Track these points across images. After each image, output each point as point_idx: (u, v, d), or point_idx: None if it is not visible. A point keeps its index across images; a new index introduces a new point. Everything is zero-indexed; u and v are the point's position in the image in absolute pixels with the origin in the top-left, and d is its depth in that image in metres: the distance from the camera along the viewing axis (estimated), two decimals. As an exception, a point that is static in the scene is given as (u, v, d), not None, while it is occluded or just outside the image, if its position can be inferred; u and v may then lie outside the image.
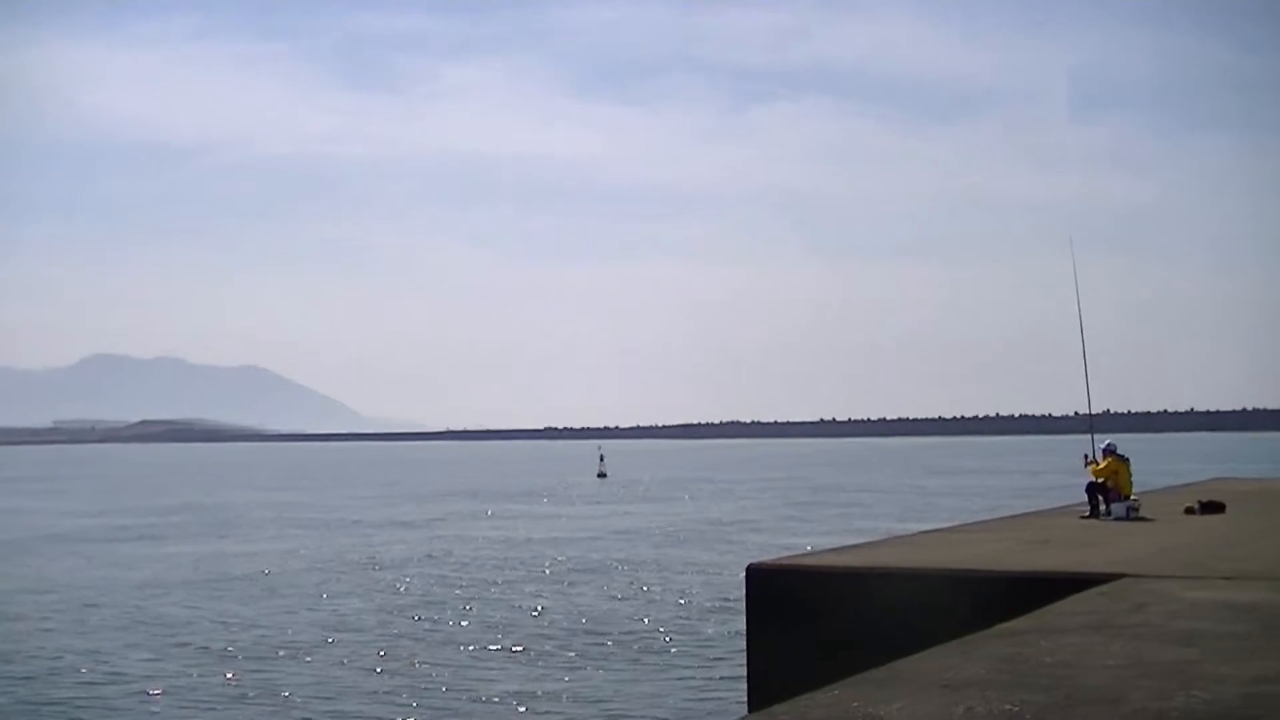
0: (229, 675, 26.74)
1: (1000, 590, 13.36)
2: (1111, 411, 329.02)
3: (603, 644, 29.80)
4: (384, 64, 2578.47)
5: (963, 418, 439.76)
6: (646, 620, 33.05)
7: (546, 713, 23.02)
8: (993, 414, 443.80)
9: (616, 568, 45.27)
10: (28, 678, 26.88)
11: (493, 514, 75.66)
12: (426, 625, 33.13)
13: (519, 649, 29.33)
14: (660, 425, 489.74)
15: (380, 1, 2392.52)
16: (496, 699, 24.09)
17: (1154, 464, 77.89)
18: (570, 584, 40.87)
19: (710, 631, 30.86)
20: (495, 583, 41.65)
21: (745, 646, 15.49)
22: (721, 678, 24.95)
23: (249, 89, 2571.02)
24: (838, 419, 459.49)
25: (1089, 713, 7.19)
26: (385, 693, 24.77)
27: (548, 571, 44.57)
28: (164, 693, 25.08)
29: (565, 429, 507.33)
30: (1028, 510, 27.52)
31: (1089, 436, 23.95)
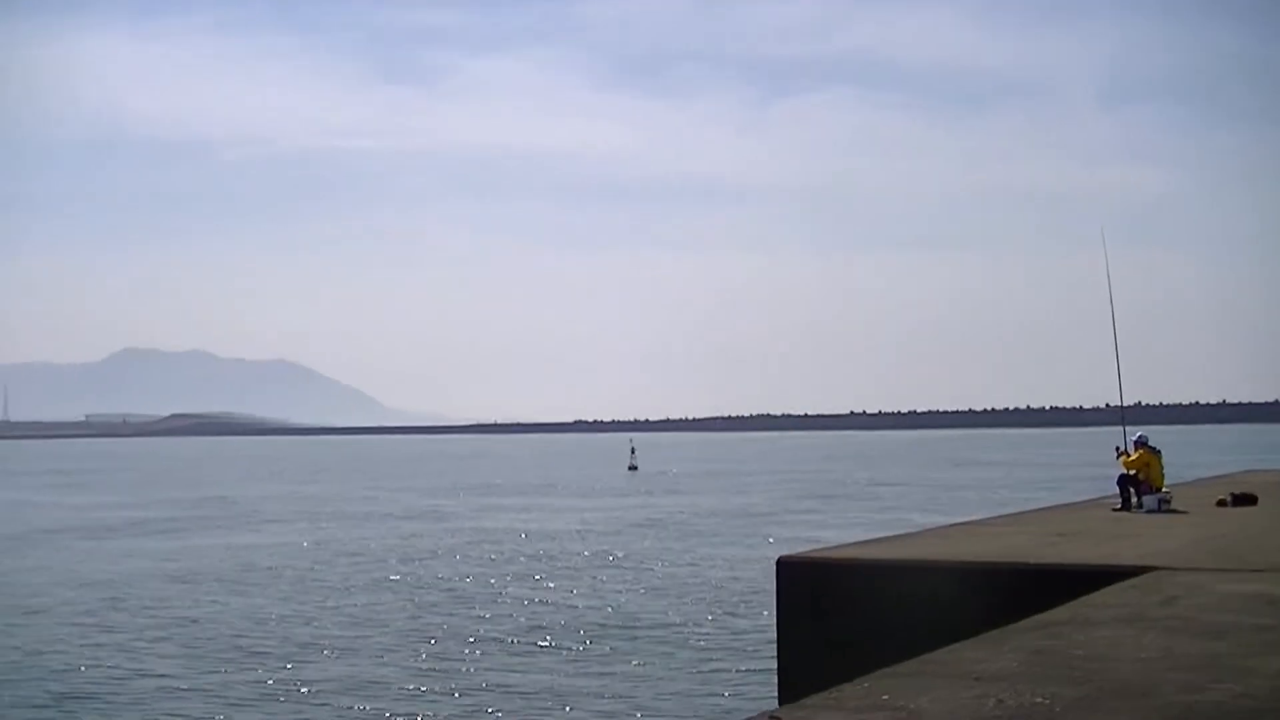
0: (259, 671, 26.87)
1: (1031, 583, 13.35)
2: (1143, 404, 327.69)
3: (634, 637, 29.90)
4: (409, 58, 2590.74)
5: (993, 410, 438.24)
6: (677, 613, 33.13)
7: (579, 707, 23.08)
8: (1023, 406, 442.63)
9: (646, 561, 45.37)
10: (58, 671, 27.06)
11: (524, 507, 75.82)
12: (457, 619, 33.23)
13: (549, 643, 29.43)
14: (690, 418, 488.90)
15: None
16: (528, 693, 24.16)
17: (1186, 456, 77.45)
18: (601, 578, 41.00)
19: (740, 624, 30.90)
20: (525, 576, 41.80)
21: (775, 639, 15.53)
22: (751, 670, 25.01)
23: (275, 82, 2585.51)
24: (868, 411, 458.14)
25: (1119, 705, 7.20)
26: (415, 688, 24.83)
27: (577, 565, 44.71)
28: (192, 689, 25.13)
29: (595, 422, 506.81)
30: (1059, 503, 27.42)
31: (1120, 429, 23.82)
